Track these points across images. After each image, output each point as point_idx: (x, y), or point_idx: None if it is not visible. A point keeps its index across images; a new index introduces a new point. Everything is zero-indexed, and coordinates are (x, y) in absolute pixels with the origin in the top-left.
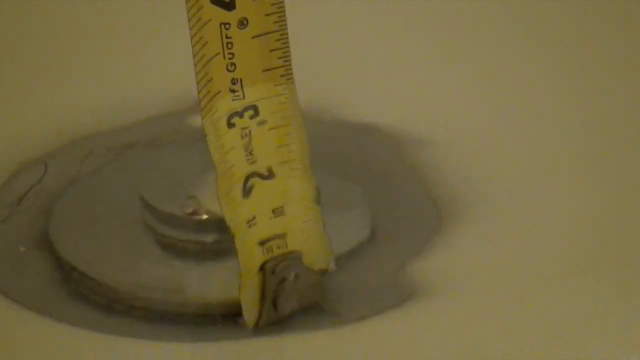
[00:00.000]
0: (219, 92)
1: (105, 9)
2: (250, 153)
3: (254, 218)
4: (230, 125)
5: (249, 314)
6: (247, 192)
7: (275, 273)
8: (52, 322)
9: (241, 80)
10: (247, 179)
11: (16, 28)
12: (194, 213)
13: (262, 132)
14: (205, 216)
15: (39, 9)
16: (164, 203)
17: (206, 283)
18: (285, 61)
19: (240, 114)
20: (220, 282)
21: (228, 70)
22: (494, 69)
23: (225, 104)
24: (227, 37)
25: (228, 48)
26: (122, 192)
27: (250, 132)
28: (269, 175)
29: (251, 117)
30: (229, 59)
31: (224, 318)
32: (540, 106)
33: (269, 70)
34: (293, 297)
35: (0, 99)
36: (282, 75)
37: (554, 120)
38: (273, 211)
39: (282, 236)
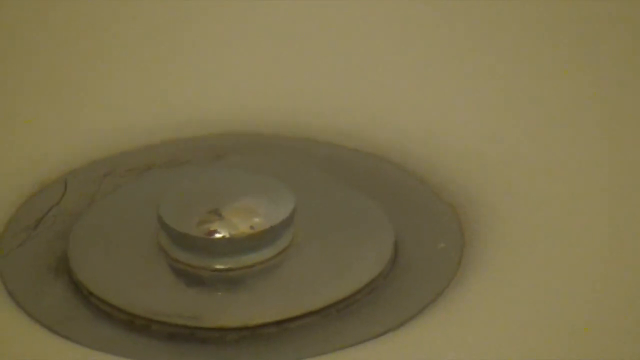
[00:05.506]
0: None
1: (126, 32)
2: None
3: None
4: None
5: None
6: None
7: None
8: (72, 344)
9: None
10: None
11: (36, 48)
12: (211, 233)
13: None
14: (221, 235)
15: (61, 29)
16: (181, 223)
17: (221, 309)
18: None
19: None
20: (235, 308)
21: None
22: (512, 76)
23: None
24: None
25: None
26: (140, 213)
27: None
28: None
29: None
30: None
31: (239, 343)
32: (559, 112)
33: None
34: None
35: (21, 119)
36: None
37: (571, 126)
38: None
39: None
